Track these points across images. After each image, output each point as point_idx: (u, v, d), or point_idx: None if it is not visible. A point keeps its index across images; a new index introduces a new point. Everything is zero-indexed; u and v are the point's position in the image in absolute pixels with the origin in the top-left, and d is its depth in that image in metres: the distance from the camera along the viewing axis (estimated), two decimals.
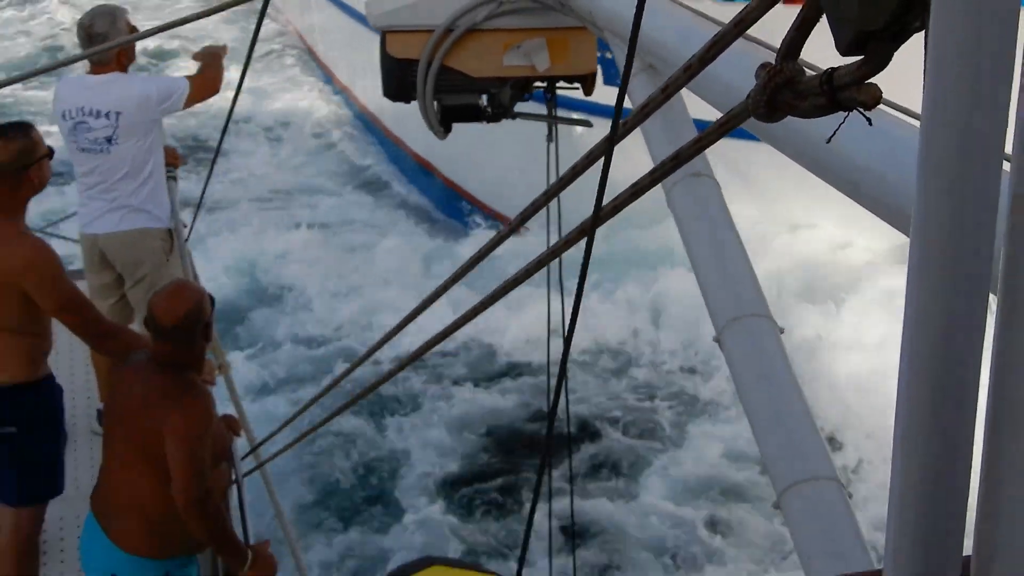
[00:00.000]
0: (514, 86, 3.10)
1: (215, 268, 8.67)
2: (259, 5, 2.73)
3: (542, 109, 3.30)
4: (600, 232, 1.34)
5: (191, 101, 4.39)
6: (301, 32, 14.72)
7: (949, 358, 0.57)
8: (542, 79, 3.06)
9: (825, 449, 1.75)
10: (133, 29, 4.28)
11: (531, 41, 2.93)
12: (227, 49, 4.72)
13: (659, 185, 1.34)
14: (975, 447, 0.56)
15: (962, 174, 0.55)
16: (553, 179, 2.86)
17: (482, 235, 9.19)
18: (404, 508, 6.56)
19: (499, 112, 3.15)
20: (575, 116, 3.48)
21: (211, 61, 4.59)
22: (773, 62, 0.78)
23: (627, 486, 6.68)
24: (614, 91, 1.42)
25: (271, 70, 14.31)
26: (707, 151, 1.26)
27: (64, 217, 4.74)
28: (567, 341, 1.41)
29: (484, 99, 3.12)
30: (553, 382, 1.96)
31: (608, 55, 2.79)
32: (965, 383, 0.55)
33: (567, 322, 1.41)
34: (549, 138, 3.16)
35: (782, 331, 1.92)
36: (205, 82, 4.49)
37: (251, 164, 11.65)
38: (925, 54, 0.54)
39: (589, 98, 3.17)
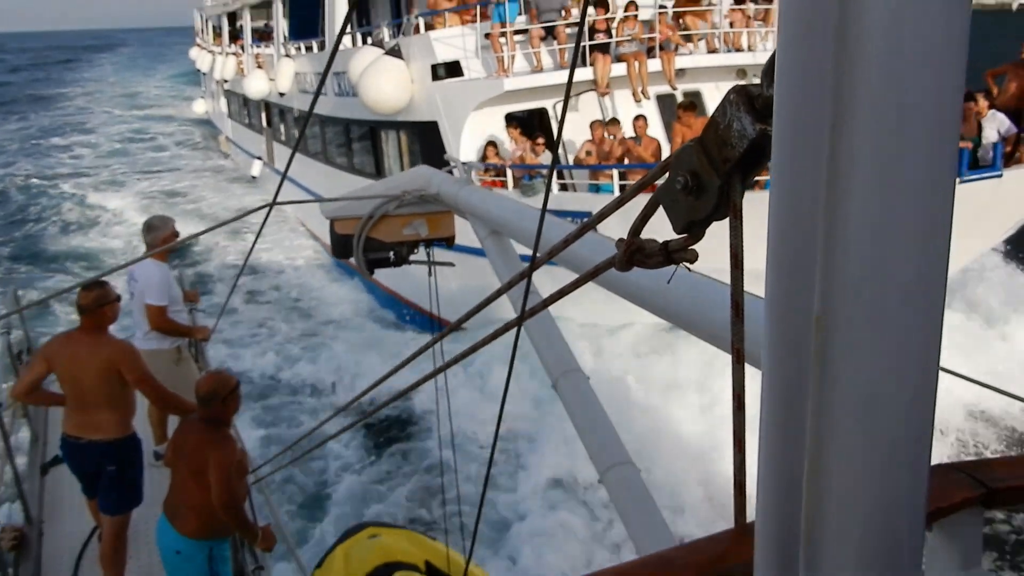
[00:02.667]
0: (409, 245, 4.67)
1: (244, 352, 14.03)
2: (265, 211, 3.94)
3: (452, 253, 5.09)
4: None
5: (148, 315, 6.29)
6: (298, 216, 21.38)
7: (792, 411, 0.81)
8: (425, 241, 4.67)
9: (623, 446, 2.76)
10: (175, 231, 6.49)
11: (418, 220, 4.59)
12: (208, 335, 6.99)
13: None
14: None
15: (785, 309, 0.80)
16: (434, 296, 4.69)
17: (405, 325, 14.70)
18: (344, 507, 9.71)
19: (400, 261, 4.70)
20: (445, 260, 4.98)
21: (183, 330, 6.64)
22: (627, 239, 1.16)
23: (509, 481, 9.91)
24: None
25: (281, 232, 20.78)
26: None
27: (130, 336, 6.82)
28: (502, 402, 2.21)
29: (392, 254, 4.63)
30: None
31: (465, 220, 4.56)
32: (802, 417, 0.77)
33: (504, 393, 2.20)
34: (429, 273, 4.84)
35: (588, 378, 3.15)
36: (163, 328, 6.38)
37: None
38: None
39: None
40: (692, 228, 0.98)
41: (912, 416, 0.71)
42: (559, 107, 13.34)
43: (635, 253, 1.13)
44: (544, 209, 1.92)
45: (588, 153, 11.67)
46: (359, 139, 16.79)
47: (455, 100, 13.02)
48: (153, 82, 67.05)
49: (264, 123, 24.82)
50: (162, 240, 6.30)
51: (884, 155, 0.66)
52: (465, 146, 12.99)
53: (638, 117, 11.68)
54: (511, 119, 13.08)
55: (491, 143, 12.74)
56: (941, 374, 0.77)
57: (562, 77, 12.71)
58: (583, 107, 13.23)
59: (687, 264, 1.07)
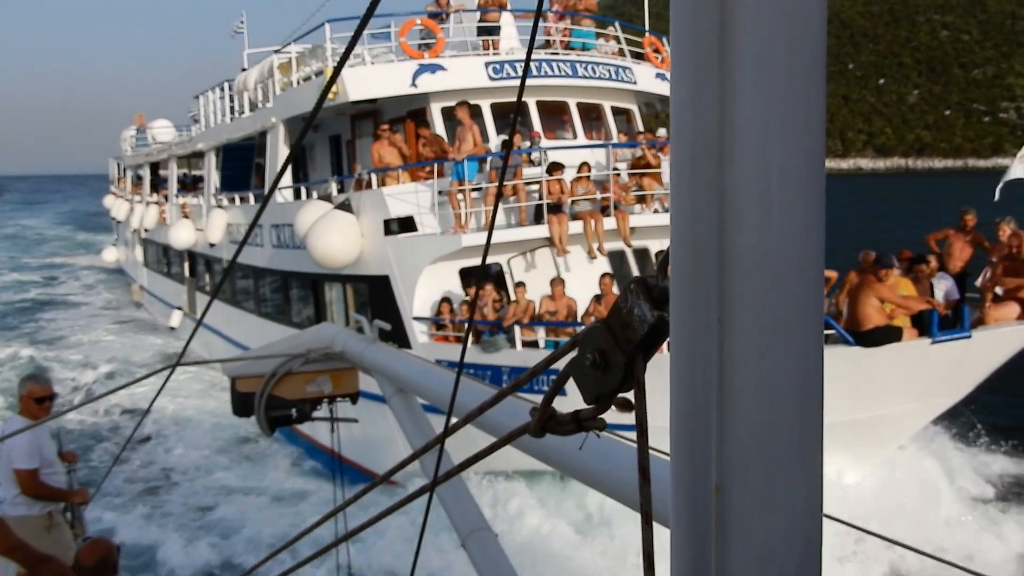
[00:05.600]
0: (312, 402, 4.65)
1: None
2: (167, 373, 3.80)
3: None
4: None
5: (18, 480, 5.94)
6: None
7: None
8: (328, 397, 4.66)
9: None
10: (51, 389, 6.22)
11: (321, 377, 4.61)
12: (87, 499, 6.54)
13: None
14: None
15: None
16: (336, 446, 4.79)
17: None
18: None
19: (303, 418, 4.65)
20: (349, 417, 4.92)
21: (59, 494, 6.23)
22: (540, 407, 1.24)
23: None
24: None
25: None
26: None
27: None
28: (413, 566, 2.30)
29: (294, 411, 4.60)
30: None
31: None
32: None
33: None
34: (332, 430, 4.77)
35: (497, 536, 3.17)
36: (35, 493, 6.00)
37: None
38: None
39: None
40: (600, 399, 1.06)
41: (802, 568, 0.83)
42: (513, 263, 13.34)
43: (548, 421, 1.22)
44: (460, 371, 2.06)
45: (551, 313, 11.58)
46: (299, 292, 16.35)
47: (409, 255, 12.87)
48: (50, 229, 65.40)
49: (187, 273, 24.09)
50: (21, 397, 6.13)
51: (762, 345, 0.80)
52: (419, 301, 12.74)
53: (604, 275, 11.74)
54: (466, 274, 12.98)
55: (445, 299, 12.53)
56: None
57: (518, 234, 12.80)
58: (539, 263, 13.27)
59: (596, 432, 1.16)
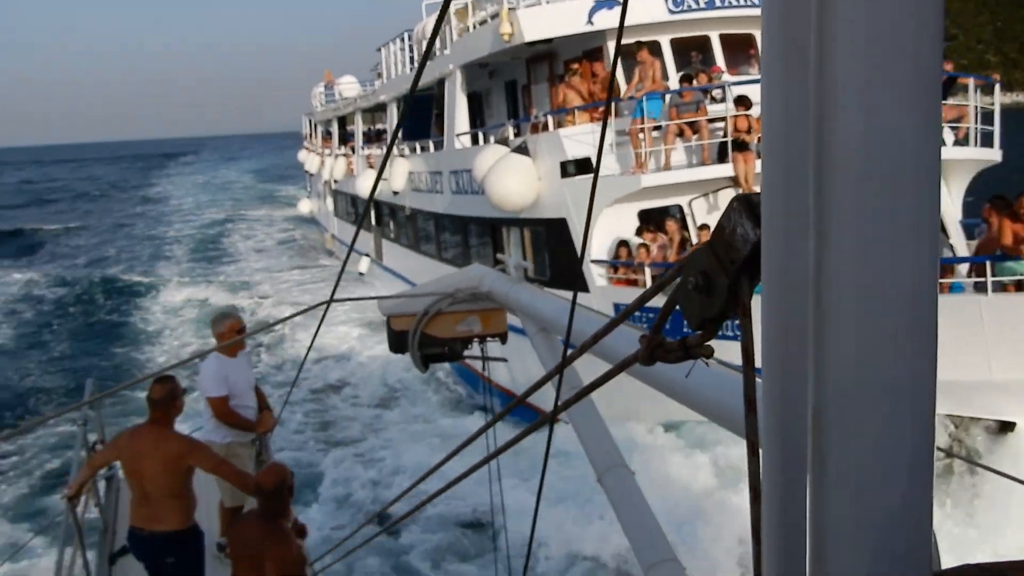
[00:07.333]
0: (463, 341, 4.82)
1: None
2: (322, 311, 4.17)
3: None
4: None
5: (210, 407, 6.44)
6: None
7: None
8: (478, 337, 4.81)
9: (668, 544, 2.78)
10: (239, 324, 6.70)
11: (471, 317, 4.76)
12: (271, 426, 6.97)
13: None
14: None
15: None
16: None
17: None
18: None
19: (455, 356, 4.83)
20: (497, 356, 5.07)
21: (253, 428, 6.69)
22: (648, 335, 1.21)
23: None
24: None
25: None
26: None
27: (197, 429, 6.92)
28: (538, 497, 2.39)
29: (446, 349, 4.78)
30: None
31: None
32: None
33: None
34: (483, 368, 4.96)
35: (634, 474, 3.16)
36: (225, 420, 6.45)
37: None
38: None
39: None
40: (705, 325, 1.02)
41: (907, 502, 0.76)
42: (695, 204, 12.86)
43: (656, 349, 1.20)
44: (574, 302, 2.14)
45: None
46: (478, 236, 16.61)
47: (587, 197, 12.66)
48: (244, 182, 70.88)
49: (373, 221, 25.16)
50: (219, 334, 6.58)
51: (867, 259, 0.72)
52: (597, 243, 12.55)
53: None
54: (645, 216, 12.65)
55: (623, 243, 12.27)
56: None
57: (698, 174, 12.30)
58: (722, 204, 12.70)
59: (704, 360, 1.12)
